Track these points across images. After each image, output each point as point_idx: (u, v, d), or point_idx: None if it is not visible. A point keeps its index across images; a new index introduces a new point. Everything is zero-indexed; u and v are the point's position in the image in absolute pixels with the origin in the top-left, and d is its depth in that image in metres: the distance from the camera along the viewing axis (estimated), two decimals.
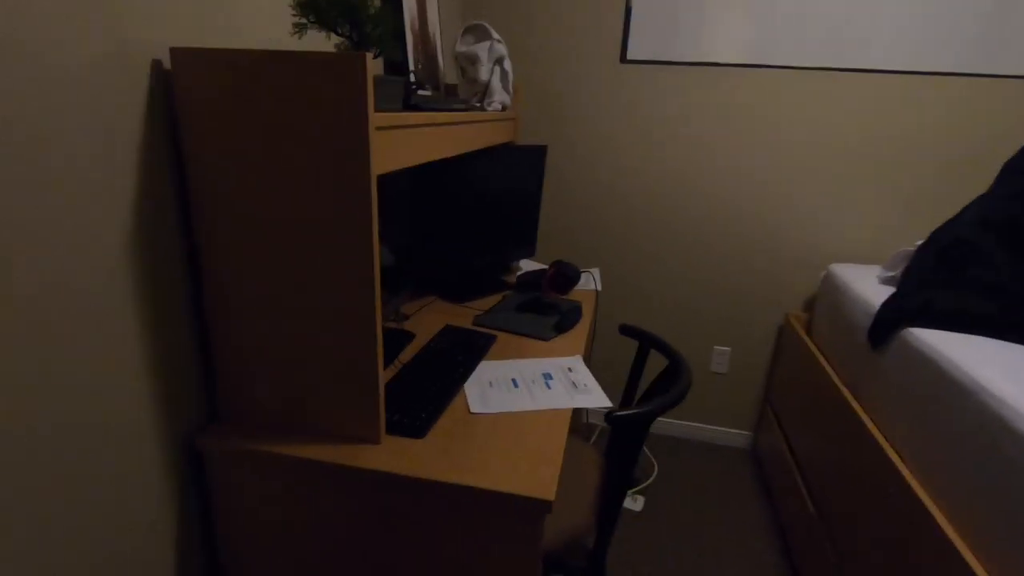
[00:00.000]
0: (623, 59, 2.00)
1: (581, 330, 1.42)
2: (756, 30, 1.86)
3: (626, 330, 1.41)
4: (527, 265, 1.89)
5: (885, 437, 1.32)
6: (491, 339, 1.30)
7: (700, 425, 2.35)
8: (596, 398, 1.08)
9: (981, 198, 1.42)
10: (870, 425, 1.38)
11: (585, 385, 1.12)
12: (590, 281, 1.76)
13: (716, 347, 2.24)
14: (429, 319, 1.43)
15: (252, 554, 0.97)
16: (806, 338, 1.94)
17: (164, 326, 0.84)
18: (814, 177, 1.97)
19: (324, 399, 0.89)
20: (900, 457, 1.24)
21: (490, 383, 1.11)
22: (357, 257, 0.79)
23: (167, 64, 0.80)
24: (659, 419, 2.34)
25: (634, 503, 1.93)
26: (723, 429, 2.33)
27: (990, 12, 1.71)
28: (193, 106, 0.77)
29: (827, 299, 1.87)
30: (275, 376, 0.89)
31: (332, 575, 0.94)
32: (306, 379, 0.88)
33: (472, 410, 1.01)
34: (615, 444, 1.10)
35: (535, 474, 0.84)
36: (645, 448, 2.27)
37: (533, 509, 0.80)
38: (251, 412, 0.93)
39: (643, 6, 1.92)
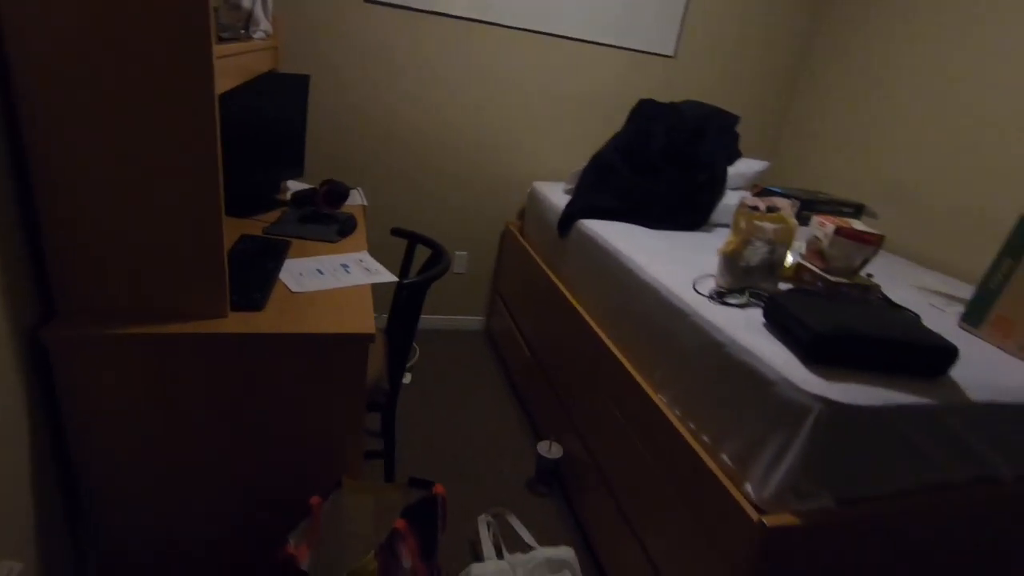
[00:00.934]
0: None
1: (360, 234, 1.75)
2: None
3: (396, 232, 1.79)
4: (295, 185, 2.08)
5: (573, 296, 2.01)
6: (287, 243, 1.54)
7: (447, 317, 2.91)
8: (386, 276, 1.46)
9: (616, 135, 2.17)
10: (564, 291, 2.06)
11: (376, 270, 1.49)
12: (357, 197, 2.06)
13: (456, 252, 2.78)
14: None
15: (105, 441, 1.11)
16: (521, 239, 2.60)
17: None
18: (523, 116, 2.58)
19: (169, 286, 1.07)
20: (584, 309, 1.92)
21: (300, 273, 1.39)
22: (203, 160, 0.99)
23: None
24: None
25: (404, 379, 2.39)
26: (465, 318, 2.95)
27: (630, 3, 2.48)
28: (23, 21, 0.84)
29: (532, 208, 2.54)
30: (116, 269, 1.03)
31: (190, 442, 1.15)
32: (149, 270, 1.04)
33: (293, 290, 1.29)
34: (401, 309, 1.51)
35: (357, 320, 1.19)
36: None
37: (361, 341, 1.17)
38: (91, 306, 1.05)
39: None
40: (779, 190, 2.08)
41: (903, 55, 2.29)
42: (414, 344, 2.68)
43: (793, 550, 1.06)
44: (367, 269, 1.48)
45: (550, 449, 1.88)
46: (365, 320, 1.20)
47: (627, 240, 1.80)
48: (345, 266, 1.48)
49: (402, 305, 1.53)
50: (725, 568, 1.11)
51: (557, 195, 2.37)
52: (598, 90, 2.62)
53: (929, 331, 1.16)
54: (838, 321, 1.13)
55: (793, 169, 2.83)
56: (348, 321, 1.19)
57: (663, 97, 2.69)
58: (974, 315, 1.40)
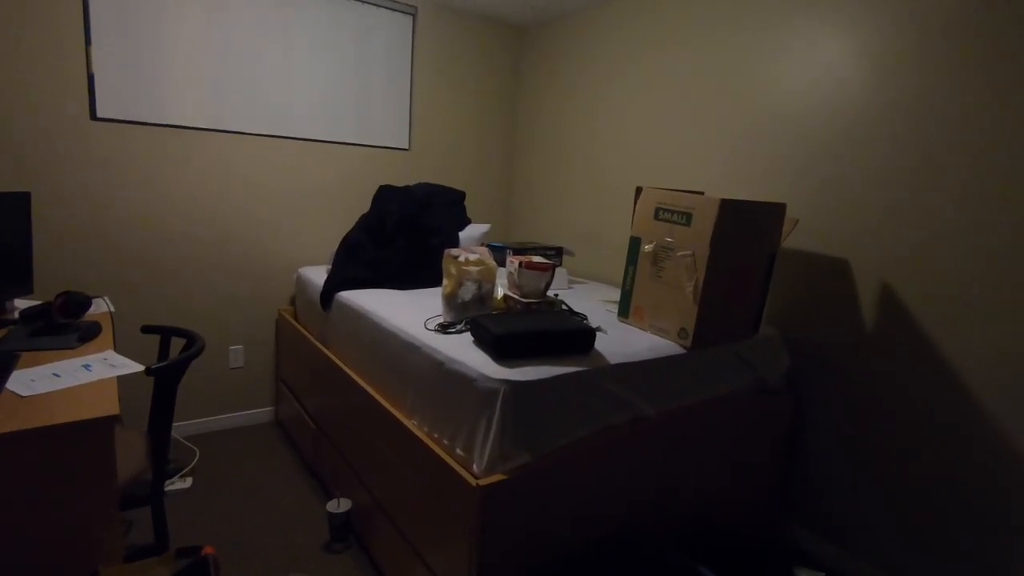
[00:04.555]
0: (93, 117, 2.31)
1: (105, 338, 1.76)
2: (215, 101, 2.52)
3: (146, 328, 1.84)
4: (25, 304, 1.99)
5: (342, 360, 2.21)
6: (14, 356, 1.51)
7: (230, 415, 2.86)
8: (132, 367, 1.52)
9: (361, 216, 2.50)
10: (334, 359, 2.25)
11: (122, 364, 1.54)
12: (102, 305, 2.04)
13: (231, 347, 2.80)
14: None
15: None
16: (294, 322, 2.74)
17: None
18: (282, 211, 2.79)
19: None
20: (351, 369, 2.13)
21: (32, 380, 1.39)
22: None
23: None
24: (194, 420, 2.73)
25: (184, 483, 2.30)
26: (251, 412, 2.92)
27: (358, 103, 2.90)
28: None
29: (301, 292, 2.72)
30: None
31: None
32: None
33: (23, 395, 1.30)
34: (158, 393, 1.57)
35: (99, 404, 1.26)
36: (183, 439, 2.63)
37: (104, 423, 1.23)
38: None
39: (105, 73, 2.29)
40: (499, 244, 2.59)
41: (575, 145, 3.07)
42: (192, 447, 2.59)
43: (503, 498, 1.37)
44: (112, 365, 1.53)
45: (339, 505, 2.00)
46: (107, 402, 1.27)
47: (375, 301, 2.09)
48: (87, 366, 1.50)
49: (159, 395, 1.60)
50: (462, 527, 1.39)
51: (321, 276, 2.59)
52: (348, 181, 2.97)
53: (579, 323, 1.63)
54: (512, 326, 1.53)
55: (517, 227, 3.48)
56: (89, 406, 1.25)
57: (405, 183, 3.14)
58: (623, 309, 1.95)
